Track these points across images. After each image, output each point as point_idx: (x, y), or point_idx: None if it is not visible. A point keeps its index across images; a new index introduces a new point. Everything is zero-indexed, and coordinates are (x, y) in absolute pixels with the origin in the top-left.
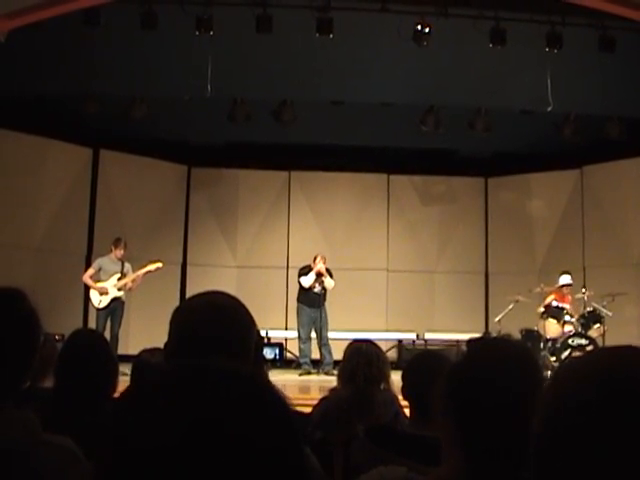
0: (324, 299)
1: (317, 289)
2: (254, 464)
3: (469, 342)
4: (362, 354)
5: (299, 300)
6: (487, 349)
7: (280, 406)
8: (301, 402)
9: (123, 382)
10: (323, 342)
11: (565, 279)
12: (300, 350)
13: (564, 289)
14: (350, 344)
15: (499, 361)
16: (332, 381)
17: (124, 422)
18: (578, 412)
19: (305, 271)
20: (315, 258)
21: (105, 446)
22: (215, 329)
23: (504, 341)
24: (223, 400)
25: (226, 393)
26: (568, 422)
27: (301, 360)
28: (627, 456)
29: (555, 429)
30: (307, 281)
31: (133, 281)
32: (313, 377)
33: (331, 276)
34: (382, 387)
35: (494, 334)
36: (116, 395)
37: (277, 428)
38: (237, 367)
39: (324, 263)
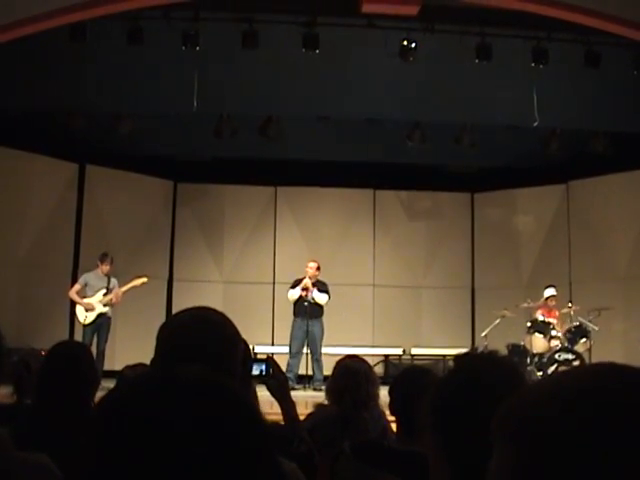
0: (318, 312)
1: (306, 298)
2: (225, 467)
3: (456, 357)
4: (351, 375)
5: (293, 313)
6: (473, 365)
7: (250, 411)
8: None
9: None
10: (314, 357)
11: (549, 291)
12: (287, 364)
13: (549, 302)
14: (340, 361)
15: (485, 377)
16: (319, 397)
17: (104, 425)
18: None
19: (295, 284)
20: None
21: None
22: (201, 345)
23: (491, 357)
24: (195, 405)
25: (197, 397)
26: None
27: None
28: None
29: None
30: (292, 295)
31: (117, 296)
32: (300, 392)
33: (322, 290)
34: (370, 405)
35: (481, 349)
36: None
37: (247, 430)
38: (208, 373)
39: (316, 270)
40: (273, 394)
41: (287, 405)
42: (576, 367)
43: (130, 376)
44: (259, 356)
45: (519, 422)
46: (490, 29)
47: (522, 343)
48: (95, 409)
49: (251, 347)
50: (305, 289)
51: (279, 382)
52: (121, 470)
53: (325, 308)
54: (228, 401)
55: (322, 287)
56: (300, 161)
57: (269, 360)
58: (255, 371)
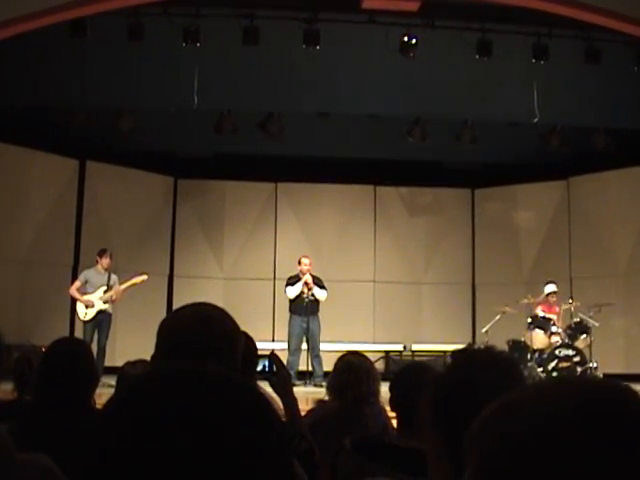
0: (316, 308)
1: (305, 296)
2: (238, 464)
3: (453, 353)
4: (353, 371)
5: (290, 310)
6: (471, 359)
7: (266, 409)
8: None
9: (109, 394)
10: (314, 353)
11: (550, 287)
12: (287, 362)
13: (550, 298)
14: (342, 357)
15: (483, 371)
16: (320, 393)
17: (109, 427)
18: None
19: (292, 281)
20: (299, 261)
21: (90, 454)
22: (201, 340)
23: (488, 351)
24: (211, 402)
25: (215, 396)
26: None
27: None
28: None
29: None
30: (292, 292)
31: (117, 293)
32: (300, 388)
33: (322, 287)
34: (370, 401)
35: (479, 345)
36: (99, 406)
37: (260, 428)
38: (225, 372)
39: (309, 265)
40: (276, 390)
41: (289, 402)
42: (529, 389)
43: (131, 372)
44: (260, 352)
45: (482, 441)
46: (491, 25)
47: (522, 339)
48: (104, 409)
49: None
50: (306, 284)
51: (282, 378)
52: (141, 470)
53: (321, 304)
54: (247, 400)
55: (320, 283)
56: (300, 157)
57: (272, 356)
58: (258, 367)
